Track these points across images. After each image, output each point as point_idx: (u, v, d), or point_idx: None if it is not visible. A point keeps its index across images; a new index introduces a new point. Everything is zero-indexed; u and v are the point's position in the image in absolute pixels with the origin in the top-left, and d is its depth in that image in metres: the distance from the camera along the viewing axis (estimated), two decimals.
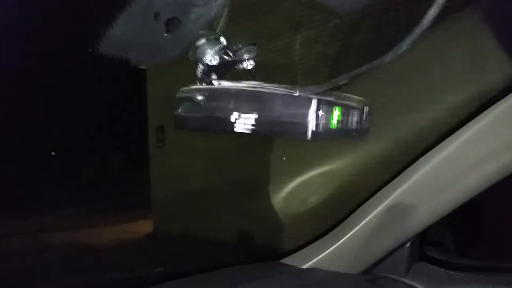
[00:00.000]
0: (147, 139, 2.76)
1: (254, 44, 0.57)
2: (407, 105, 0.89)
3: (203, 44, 0.56)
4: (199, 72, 0.55)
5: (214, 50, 0.55)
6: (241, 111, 0.50)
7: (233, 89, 0.52)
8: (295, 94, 0.48)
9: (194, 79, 0.58)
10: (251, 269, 0.95)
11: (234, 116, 0.50)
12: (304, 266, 0.92)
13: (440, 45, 0.81)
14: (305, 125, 0.46)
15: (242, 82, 0.53)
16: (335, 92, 0.50)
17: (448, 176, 0.77)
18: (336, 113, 0.48)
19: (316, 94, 0.48)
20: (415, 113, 0.88)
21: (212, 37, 0.56)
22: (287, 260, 0.95)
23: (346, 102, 0.51)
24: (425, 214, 0.81)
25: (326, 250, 0.92)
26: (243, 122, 0.50)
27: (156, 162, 2.58)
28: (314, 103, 0.46)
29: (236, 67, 0.57)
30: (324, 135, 0.47)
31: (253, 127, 0.49)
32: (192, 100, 0.54)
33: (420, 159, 0.80)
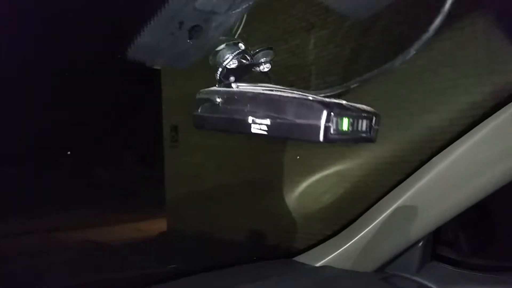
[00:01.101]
0: (162, 139, 2.79)
1: (270, 48, 0.60)
2: (419, 105, 0.89)
3: (223, 49, 0.58)
4: (218, 75, 0.58)
5: (233, 54, 0.58)
6: (257, 114, 0.52)
7: (250, 93, 0.54)
8: (309, 98, 0.49)
9: (209, 81, 0.60)
10: (264, 267, 0.96)
11: (250, 118, 0.52)
12: (317, 264, 0.93)
13: (453, 46, 0.82)
14: (318, 128, 0.47)
15: (259, 84, 0.56)
16: (345, 102, 0.52)
17: (460, 177, 0.78)
18: (348, 117, 0.50)
19: (329, 97, 0.51)
20: (426, 113, 0.88)
21: (231, 42, 0.59)
22: (300, 258, 0.96)
23: (357, 107, 0.53)
24: (436, 214, 0.81)
25: (339, 249, 0.93)
26: (259, 125, 0.52)
27: (170, 161, 2.62)
28: (326, 107, 0.48)
29: (253, 69, 0.59)
30: (335, 139, 0.48)
31: (268, 129, 0.51)
32: (211, 101, 0.56)
33: (432, 159, 0.81)
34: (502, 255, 0.95)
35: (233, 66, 0.58)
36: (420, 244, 0.90)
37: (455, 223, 0.92)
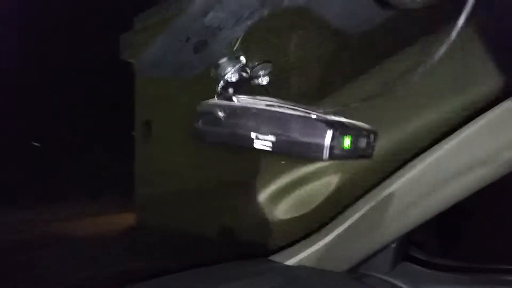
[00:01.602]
0: (134, 134, 2.75)
1: (269, 62, 0.61)
2: (397, 111, 0.91)
3: (224, 62, 0.60)
4: (219, 88, 0.59)
5: (234, 68, 0.59)
6: (260, 130, 0.53)
7: (253, 108, 0.55)
8: (312, 117, 0.51)
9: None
10: (239, 266, 0.96)
11: (254, 134, 0.54)
12: (292, 263, 0.93)
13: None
14: (322, 147, 0.49)
15: (259, 98, 0.57)
16: (345, 120, 0.55)
17: (434, 182, 0.80)
18: (349, 136, 0.52)
19: (331, 114, 0.53)
20: (403, 121, 0.90)
21: (233, 56, 0.60)
22: (275, 257, 0.96)
23: (356, 125, 0.56)
24: (410, 217, 0.83)
25: (314, 248, 0.94)
26: (263, 141, 0.53)
27: (142, 156, 2.58)
28: (330, 126, 0.50)
29: (251, 82, 0.61)
30: (338, 156, 0.51)
31: (272, 146, 0.53)
32: (213, 115, 0.56)
33: (408, 163, 0.83)
34: (469, 256, 0.99)
35: (233, 79, 0.59)
36: (393, 245, 0.92)
37: (425, 224, 0.94)
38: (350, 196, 0.93)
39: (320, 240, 0.94)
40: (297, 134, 0.51)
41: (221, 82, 0.59)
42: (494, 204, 0.90)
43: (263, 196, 1.22)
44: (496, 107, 0.74)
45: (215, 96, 0.59)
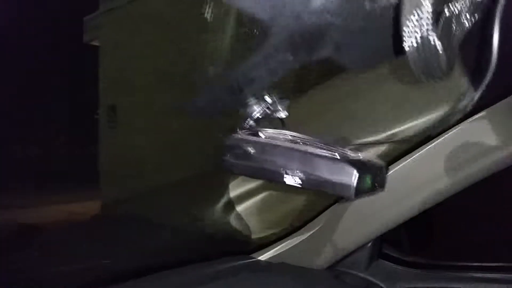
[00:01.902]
0: (98, 118, 2.67)
1: (288, 98, 0.69)
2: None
3: (254, 102, 0.67)
4: (246, 124, 0.66)
5: (260, 107, 0.66)
6: (289, 167, 0.58)
7: (282, 147, 0.59)
8: (337, 157, 0.57)
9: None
10: (220, 264, 0.97)
11: (283, 170, 0.58)
12: (273, 261, 0.96)
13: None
14: (349, 187, 0.55)
15: (282, 132, 0.62)
16: (363, 158, 0.63)
17: (408, 187, 0.84)
18: (370, 175, 0.59)
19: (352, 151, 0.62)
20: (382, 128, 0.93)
21: (261, 96, 0.67)
22: (256, 255, 0.99)
23: (373, 163, 0.64)
24: (390, 216, 0.87)
25: (294, 247, 0.97)
26: (293, 177, 0.58)
27: (106, 141, 2.52)
28: (356, 168, 0.56)
29: (271, 116, 0.68)
30: (362, 193, 0.57)
31: (302, 183, 0.58)
32: (242, 149, 0.61)
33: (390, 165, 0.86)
34: (440, 254, 1.05)
35: (259, 116, 0.66)
36: (369, 244, 0.97)
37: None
38: (329, 197, 0.96)
39: (300, 239, 0.97)
40: (325, 174, 0.56)
41: (249, 120, 0.65)
42: (463, 203, 0.95)
43: (237, 189, 1.23)
44: (469, 119, 0.78)
45: (239, 130, 0.65)
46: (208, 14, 0.64)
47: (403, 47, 0.54)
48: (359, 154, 0.64)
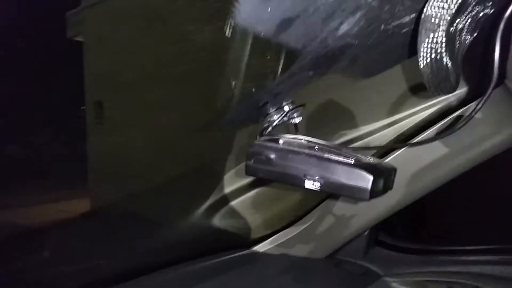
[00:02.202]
0: (85, 115, 2.63)
1: (303, 105, 0.75)
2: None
3: (274, 112, 0.73)
4: (266, 131, 0.72)
5: (280, 116, 0.73)
6: (309, 173, 0.63)
7: (302, 153, 0.64)
8: (352, 163, 0.62)
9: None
10: (224, 258, 0.99)
11: (303, 174, 0.63)
12: (275, 253, 0.99)
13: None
14: (366, 190, 0.60)
15: (299, 137, 0.68)
16: (377, 162, 0.69)
17: (405, 176, 0.87)
18: (383, 178, 0.64)
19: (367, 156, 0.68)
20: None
21: (281, 106, 0.73)
22: (257, 248, 1.01)
23: (384, 166, 0.69)
24: (387, 205, 0.90)
25: (293, 238, 0.99)
26: (312, 181, 0.63)
27: (94, 138, 2.49)
28: (371, 173, 0.61)
29: (287, 122, 0.75)
30: (376, 195, 0.62)
31: (321, 186, 0.63)
32: (264, 155, 0.66)
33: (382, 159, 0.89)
34: (432, 239, 1.09)
35: (278, 123, 0.72)
36: (365, 232, 1.00)
37: None
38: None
39: (298, 229, 0.99)
40: (342, 179, 0.62)
41: (269, 128, 0.71)
42: (454, 190, 0.99)
43: (233, 184, 1.24)
44: (462, 108, 0.81)
45: (260, 136, 0.71)
46: (227, 31, 0.67)
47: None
48: (370, 158, 0.69)
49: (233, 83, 0.71)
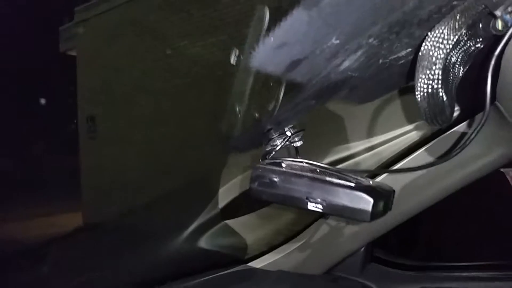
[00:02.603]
0: (77, 129, 2.62)
1: (303, 130, 0.77)
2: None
3: (276, 137, 0.75)
4: (269, 155, 0.73)
5: (282, 140, 0.74)
6: (312, 195, 0.65)
7: (305, 177, 0.66)
8: (353, 185, 0.64)
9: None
10: (221, 274, 0.99)
11: (306, 197, 0.65)
12: (271, 269, 0.99)
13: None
14: (367, 212, 0.62)
15: (300, 160, 0.71)
16: (376, 186, 0.70)
17: (399, 194, 0.88)
18: (383, 200, 0.66)
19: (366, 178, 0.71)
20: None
21: (283, 131, 0.75)
22: (254, 264, 1.01)
23: (384, 188, 0.70)
24: (383, 221, 0.91)
25: (289, 254, 1.00)
26: (315, 203, 0.65)
27: (86, 153, 2.47)
28: (371, 196, 0.63)
29: (288, 146, 0.76)
30: (376, 217, 0.64)
31: (323, 208, 0.65)
32: (268, 178, 0.67)
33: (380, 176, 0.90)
34: (427, 256, 1.11)
35: (280, 147, 0.74)
36: (362, 248, 1.01)
37: None
38: None
39: (297, 246, 1.00)
40: (343, 201, 0.63)
41: (272, 152, 0.73)
42: (448, 205, 1.01)
43: (227, 198, 1.24)
44: (453, 128, 0.83)
45: (262, 160, 0.73)
46: (232, 59, 0.69)
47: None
48: (370, 181, 0.71)
49: (238, 108, 0.74)
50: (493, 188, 1.22)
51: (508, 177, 1.35)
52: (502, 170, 1.33)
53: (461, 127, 0.80)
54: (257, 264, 1.01)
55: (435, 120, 0.59)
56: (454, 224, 1.27)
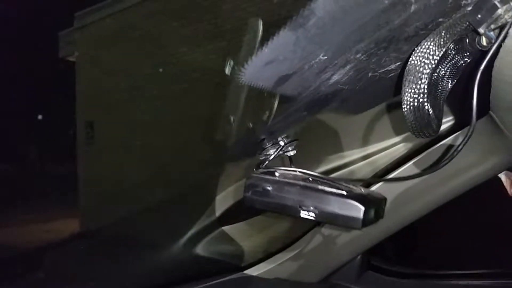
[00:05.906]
0: (75, 135, 2.62)
1: (296, 140, 0.77)
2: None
3: (270, 147, 0.75)
4: (263, 165, 0.74)
5: (276, 150, 0.75)
6: (304, 203, 0.65)
7: (297, 185, 0.67)
8: (344, 194, 0.64)
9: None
10: (214, 281, 0.98)
11: (299, 205, 0.66)
12: (268, 277, 0.98)
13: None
14: (359, 220, 0.63)
15: (293, 169, 0.71)
16: (368, 194, 0.71)
17: (394, 203, 0.88)
18: (374, 208, 0.66)
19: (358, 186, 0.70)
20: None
21: (277, 141, 0.76)
22: (250, 272, 1.01)
23: (375, 196, 0.71)
24: (379, 229, 0.91)
25: (286, 262, 1.00)
26: (307, 212, 0.65)
27: (84, 158, 2.46)
28: (362, 204, 0.63)
29: (282, 155, 0.77)
30: (367, 224, 0.64)
31: (316, 216, 0.65)
32: (261, 187, 0.68)
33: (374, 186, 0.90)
34: (423, 264, 1.10)
35: (273, 157, 0.75)
36: (358, 256, 1.01)
37: None
38: None
39: (293, 254, 0.99)
40: (335, 209, 0.64)
41: (265, 161, 0.74)
42: (443, 214, 1.01)
43: (224, 206, 1.24)
44: (447, 138, 0.83)
45: (256, 169, 0.73)
46: (227, 69, 0.70)
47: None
48: (361, 189, 0.71)
49: (232, 118, 0.74)
50: (491, 194, 1.22)
51: (503, 181, 1.35)
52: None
53: (455, 137, 0.80)
54: (253, 271, 1.01)
55: (422, 132, 0.60)
56: (455, 231, 1.27)
